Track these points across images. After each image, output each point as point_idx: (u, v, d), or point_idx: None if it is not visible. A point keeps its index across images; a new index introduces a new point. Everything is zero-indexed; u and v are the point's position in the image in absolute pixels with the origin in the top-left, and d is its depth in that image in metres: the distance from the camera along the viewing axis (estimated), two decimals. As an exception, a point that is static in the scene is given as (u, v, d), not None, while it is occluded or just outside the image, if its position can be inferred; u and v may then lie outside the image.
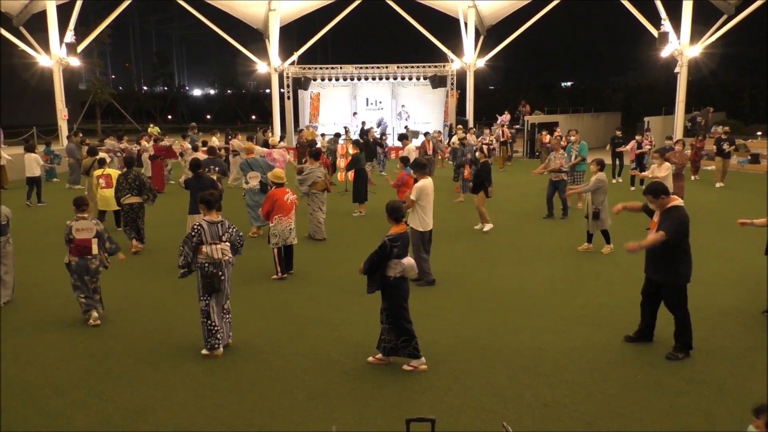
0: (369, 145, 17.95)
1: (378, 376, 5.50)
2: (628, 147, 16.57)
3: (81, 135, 19.83)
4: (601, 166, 9.72)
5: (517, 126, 25.95)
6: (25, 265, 8.78)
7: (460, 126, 21.74)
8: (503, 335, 6.42)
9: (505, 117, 25.12)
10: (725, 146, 16.63)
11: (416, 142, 19.99)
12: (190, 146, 17.26)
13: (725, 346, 6.08)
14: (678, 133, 21.01)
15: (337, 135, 18.85)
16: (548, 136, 19.68)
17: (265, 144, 16.84)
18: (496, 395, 5.14)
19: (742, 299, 7.44)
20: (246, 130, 30.14)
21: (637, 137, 16.77)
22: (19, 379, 5.51)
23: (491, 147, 19.94)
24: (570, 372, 5.55)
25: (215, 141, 18.33)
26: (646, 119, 22.67)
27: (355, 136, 20.52)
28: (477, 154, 11.70)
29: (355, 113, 26.31)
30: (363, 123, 24.57)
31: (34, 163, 15.07)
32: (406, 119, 23.46)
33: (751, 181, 17.03)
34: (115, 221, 11.60)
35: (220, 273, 5.87)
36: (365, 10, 27.90)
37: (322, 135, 21.44)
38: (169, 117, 58.66)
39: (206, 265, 5.84)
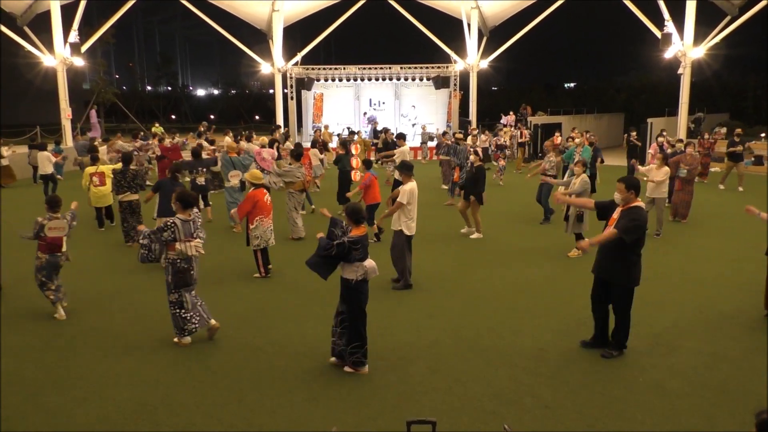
0: (387, 146, 17.75)
1: (378, 377, 5.49)
2: (651, 150, 16.32)
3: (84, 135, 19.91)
4: (585, 167, 9.82)
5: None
6: (25, 261, 8.77)
7: (474, 128, 21.57)
8: (504, 336, 6.40)
9: (510, 118, 25.09)
10: (739, 149, 16.39)
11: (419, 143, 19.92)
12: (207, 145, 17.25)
13: (727, 348, 6.05)
14: (681, 135, 20.95)
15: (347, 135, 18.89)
16: (559, 137, 19.75)
17: (270, 143, 16.83)
18: (497, 396, 5.13)
19: (744, 301, 7.41)
20: (252, 130, 30.03)
21: (659, 139, 16.33)
22: (19, 376, 5.51)
23: (506, 148, 19.83)
24: (571, 373, 5.53)
25: (228, 141, 18.31)
26: (649, 120, 22.59)
27: (363, 136, 20.52)
28: (471, 157, 11.38)
29: (365, 113, 26.34)
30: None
31: (46, 161, 15.08)
32: (414, 124, 23.37)
33: (754, 183, 16.98)
34: (98, 221, 11.73)
35: (191, 268, 6.09)
36: (368, 11, 27.85)
37: (338, 135, 21.41)
38: (173, 117, 58.79)
39: (178, 261, 6.02)
